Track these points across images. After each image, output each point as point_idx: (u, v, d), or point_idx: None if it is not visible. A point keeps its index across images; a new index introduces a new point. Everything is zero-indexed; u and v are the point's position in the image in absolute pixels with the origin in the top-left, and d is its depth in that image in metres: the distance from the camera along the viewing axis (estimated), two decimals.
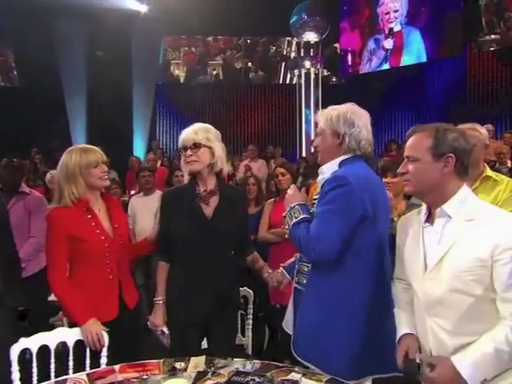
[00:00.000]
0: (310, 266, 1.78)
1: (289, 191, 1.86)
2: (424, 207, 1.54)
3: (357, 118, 1.76)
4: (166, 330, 2.09)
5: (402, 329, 1.55)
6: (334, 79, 11.50)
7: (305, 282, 1.78)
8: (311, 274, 1.76)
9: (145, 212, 4.22)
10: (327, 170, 1.78)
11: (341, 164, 1.76)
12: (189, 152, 2.04)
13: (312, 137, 8.41)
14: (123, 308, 2.14)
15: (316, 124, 1.88)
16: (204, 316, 2.07)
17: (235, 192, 2.19)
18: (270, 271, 2.21)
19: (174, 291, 2.09)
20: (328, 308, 1.69)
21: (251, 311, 2.82)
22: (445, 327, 1.42)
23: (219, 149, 2.07)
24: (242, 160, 7.79)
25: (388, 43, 9.81)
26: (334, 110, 1.79)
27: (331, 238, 1.62)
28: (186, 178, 2.15)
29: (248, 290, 2.82)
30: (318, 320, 1.71)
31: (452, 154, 1.42)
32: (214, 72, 12.42)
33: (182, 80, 12.04)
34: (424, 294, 1.46)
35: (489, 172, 2.34)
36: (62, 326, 2.23)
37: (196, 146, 2.04)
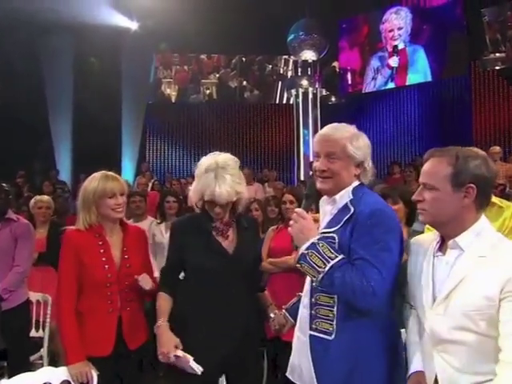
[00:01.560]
0: (335, 311, 1.65)
1: (296, 217, 1.68)
2: (437, 233, 1.54)
3: (368, 143, 1.75)
4: (180, 353, 1.88)
5: (415, 364, 1.53)
6: (333, 99, 11.68)
7: (330, 328, 1.66)
8: (345, 320, 1.64)
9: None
10: (340, 199, 1.72)
11: (353, 192, 1.70)
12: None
13: (310, 158, 8.45)
14: (123, 347, 2.11)
15: (322, 142, 1.74)
16: (228, 356, 1.99)
17: (248, 222, 2.16)
18: (277, 312, 2.13)
19: (191, 335, 1.99)
20: (364, 357, 1.62)
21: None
22: (454, 364, 1.41)
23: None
24: None
25: (393, 61, 10.03)
26: (356, 138, 1.71)
27: (389, 284, 1.57)
28: (199, 204, 2.06)
29: None
30: (349, 374, 1.63)
31: (473, 185, 1.39)
32: (208, 91, 12.56)
33: (173, 99, 12.16)
34: (431, 328, 1.45)
35: (493, 198, 2.38)
36: (42, 365, 2.21)
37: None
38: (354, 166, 1.72)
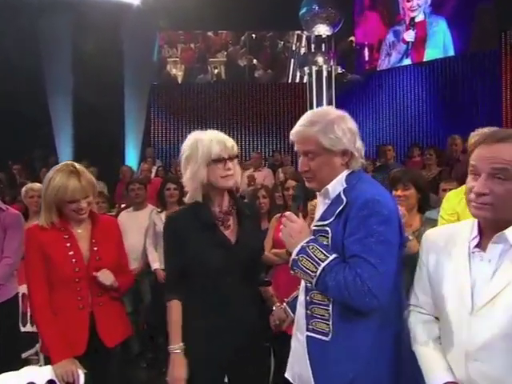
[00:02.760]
0: (330, 310, 1.63)
1: (285, 221, 1.67)
2: (472, 225, 1.41)
3: (352, 125, 1.68)
4: None
5: (441, 375, 1.40)
6: (349, 76, 11.49)
7: (326, 329, 1.63)
8: (341, 320, 1.61)
9: (134, 229, 4.23)
10: (333, 189, 1.67)
11: (347, 180, 1.66)
12: (229, 164, 1.94)
13: None
14: (99, 345, 2.10)
15: (297, 142, 1.70)
16: (231, 356, 1.96)
17: (249, 209, 2.12)
18: (278, 305, 2.13)
19: (193, 333, 1.95)
20: (364, 360, 1.59)
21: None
22: (488, 374, 1.32)
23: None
24: (247, 169, 7.77)
25: (409, 35, 9.79)
26: (332, 125, 1.63)
27: (387, 280, 1.52)
28: (194, 195, 1.98)
29: None
30: (347, 375, 1.60)
31: None
32: (216, 71, 12.49)
33: (179, 80, 12.12)
34: (469, 335, 1.34)
35: None
36: (38, 362, 2.22)
37: (234, 157, 1.97)
38: (338, 157, 1.67)
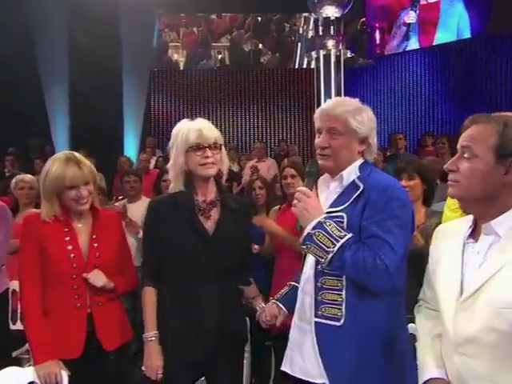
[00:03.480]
0: (344, 295, 1.68)
1: (299, 195, 1.71)
2: (470, 217, 1.47)
3: (373, 117, 1.82)
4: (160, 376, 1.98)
5: (428, 371, 1.45)
6: (360, 61, 11.41)
7: (338, 314, 1.68)
8: (355, 304, 1.67)
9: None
10: (347, 175, 1.77)
11: (360, 168, 1.77)
12: (208, 153, 1.99)
13: None
14: (97, 348, 2.09)
15: (323, 117, 1.79)
16: (204, 355, 2.00)
17: (239, 203, 2.14)
18: (263, 305, 2.15)
19: (166, 325, 2.02)
20: (377, 343, 1.66)
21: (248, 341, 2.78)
22: (476, 370, 1.33)
23: (224, 151, 2.09)
24: (250, 159, 7.78)
25: (409, 17, 9.67)
26: (361, 112, 1.77)
27: (402, 262, 1.64)
28: (177, 186, 2.06)
29: None
30: (360, 360, 1.66)
31: None
32: (219, 56, 12.46)
33: (181, 66, 12.10)
34: (454, 327, 1.38)
35: None
36: (30, 361, 2.23)
37: (216, 146, 2.01)
38: (357, 143, 1.78)
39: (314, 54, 10.34)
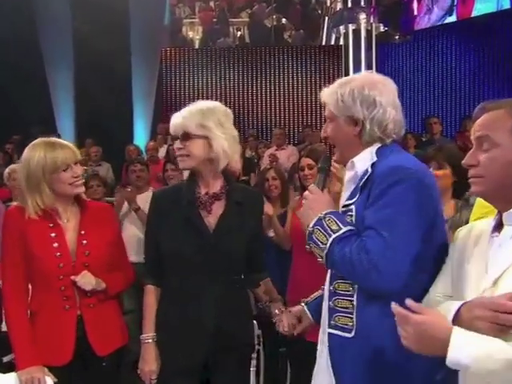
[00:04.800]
0: (355, 301, 1.63)
1: (306, 194, 1.72)
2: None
3: (378, 93, 1.67)
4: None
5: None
6: (396, 37, 11.28)
7: (349, 323, 1.63)
8: (365, 312, 1.61)
9: (134, 217, 4.32)
10: (360, 162, 1.69)
11: (378, 152, 1.68)
12: (177, 144, 2.03)
13: None
14: (89, 353, 2.10)
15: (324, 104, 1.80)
16: (202, 361, 2.03)
17: (248, 196, 2.13)
18: (282, 308, 2.11)
19: (164, 328, 2.06)
20: (393, 360, 1.55)
21: (255, 347, 2.82)
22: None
23: (220, 139, 2.01)
24: (268, 147, 7.80)
25: None
26: (344, 86, 1.70)
27: (403, 257, 1.50)
28: (186, 175, 2.15)
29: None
30: (370, 380, 1.60)
31: None
32: (238, 33, 12.49)
33: (196, 44, 12.16)
34: None
35: None
36: None
37: (186, 136, 2.01)
38: (345, 124, 1.71)
39: (342, 28, 10.28)
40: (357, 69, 9.73)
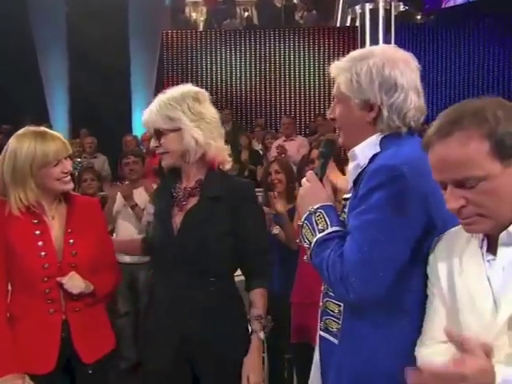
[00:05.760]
0: (342, 306, 1.66)
1: (303, 182, 1.70)
2: None
3: (399, 75, 1.57)
4: None
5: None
6: (418, 17, 11.23)
7: (335, 329, 1.67)
8: (346, 320, 1.63)
9: (127, 213, 4.33)
10: (362, 152, 1.63)
11: (382, 142, 1.61)
12: (153, 142, 2.07)
13: None
14: (74, 360, 2.12)
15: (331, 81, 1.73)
16: (168, 367, 2.07)
17: (230, 188, 2.09)
18: (257, 333, 2.08)
19: (149, 317, 2.18)
20: (372, 371, 1.56)
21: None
22: None
23: (190, 127, 2.00)
24: (276, 138, 7.78)
25: None
26: (360, 62, 1.59)
27: (378, 267, 1.49)
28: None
29: None
30: None
31: None
32: (246, 14, 12.47)
33: (200, 26, 12.16)
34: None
35: None
36: None
37: (158, 133, 2.04)
38: (358, 108, 1.61)
39: (358, 8, 10.23)
40: None
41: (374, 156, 1.59)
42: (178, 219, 2.06)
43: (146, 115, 2.06)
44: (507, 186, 1.26)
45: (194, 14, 12.56)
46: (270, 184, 3.81)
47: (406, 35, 10.14)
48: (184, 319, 2.03)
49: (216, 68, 11.24)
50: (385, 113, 1.58)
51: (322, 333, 1.71)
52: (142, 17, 10.56)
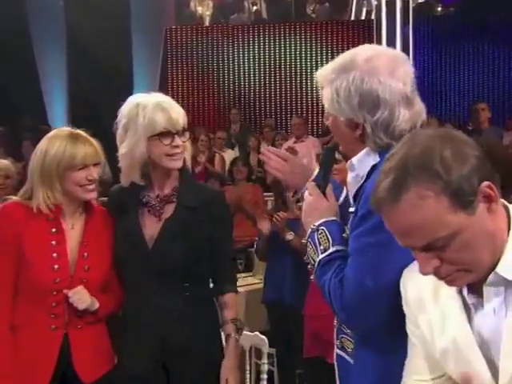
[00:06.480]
0: None
1: (306, 195, 1.72)
2: None
3: (381, 88, 1.53)
4: None
5: None
6: (439, 9, 11.21)
7: (350, 348, 1.69)
8: (356, 342, 1.66)
9: None
10: (360, 163, 1.63)
11: (382, 154, 1.56)
12: (178, 141, 2.08)
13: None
14: (72, 379, 2.12)
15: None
16: (145, 373, 2.14)
17: (204, 196, 2.18)
18: (233, 336, 2.19)
19: (122, 328, 2.23)
20: None
21: (265, 368, 2.82)
22: None
23: None
24: (285, 139, 7.80)
25: None
26: (341, 76, 1.57)
27: (377, 296, 1.49)
28: (130, 178, 2.16)
29: (260, 335, 2.82)
30: None
31: (485, 182, 1.19)
32: (254, 7, 12.47)
33: (206, 21, 12.18)
34: None
35: None
36: None
37: (184, 131, 2.10)
38: (343, 125, 1.61)
39: (374, 0, 10.25)
40: (391, 46, 9.66)
41: (374, 166, 1.58)
42: (153, 228, 2.12)
43: (175, 111, 2.08)
44: (480, 231, 1.20)
45: (199, 9, 12.55)
46: (285, 187, 3.83)
47: (425, 29, 10.09)
48: (162, 325, 2.10)
49: (223, 65, 11.27)
50: (369, 130, 1.56)
51: (338, 351, 1.74)
52: (144, 12, 10.57)
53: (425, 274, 1.25)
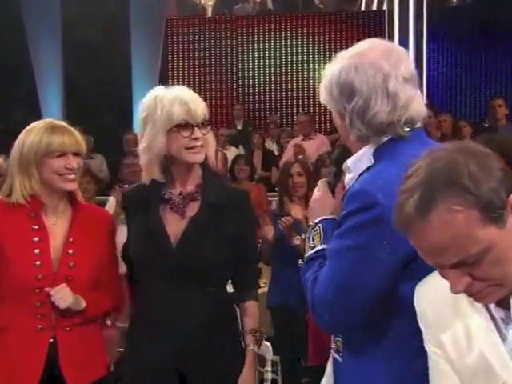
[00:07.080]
0: None
1: (315, 192, 1.81)
2: None
3: (357, 77, 1.60)
4: None
5: None
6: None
7: (341, 347, 1.75)
8: (350, 342, 1.71)
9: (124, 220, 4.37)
10: (354, 165, 1.69)
11: (377, 153, 1.65)
12: (198, 133, 2.09)
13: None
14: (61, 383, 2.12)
15: None
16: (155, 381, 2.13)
17: (228, 195, 2.20)
18: (252, 347, 2.20)
19: (130, 338, 2.24)
20: None
21: (269, 376, 2.83)
22: None
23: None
24: (292, 136, 7.81)
25: None
26: (330, 69, 1.68)
27: (347, 298, 1.55)
28: (151, 175, 2.15)
29: (263, 341, 2.83)
30: None
31: None
32: None
33: (209, 12, 12.20)
34: None
35: None
36: None
37: (204, 123, 2.11)
38: (339, 120, 1.68)
39: None
40: (403, 40, 9.68)
41: (368, 169, 1.64)
42: (176, 226, 2.12)
43: (196, 103, 2.09)
44: (511, 244, 1.22)
45: None
46: (290, 187, 3.83)
47: (440, 20, 10.06)
48: (180, 331, 2.10)
49: (226, 59, 11.29)
50: (347, 121, 1.62)
51: (334, 354, 1.78)
52: (144, 2, 10.58)
53: (456, 292, 1.25)
